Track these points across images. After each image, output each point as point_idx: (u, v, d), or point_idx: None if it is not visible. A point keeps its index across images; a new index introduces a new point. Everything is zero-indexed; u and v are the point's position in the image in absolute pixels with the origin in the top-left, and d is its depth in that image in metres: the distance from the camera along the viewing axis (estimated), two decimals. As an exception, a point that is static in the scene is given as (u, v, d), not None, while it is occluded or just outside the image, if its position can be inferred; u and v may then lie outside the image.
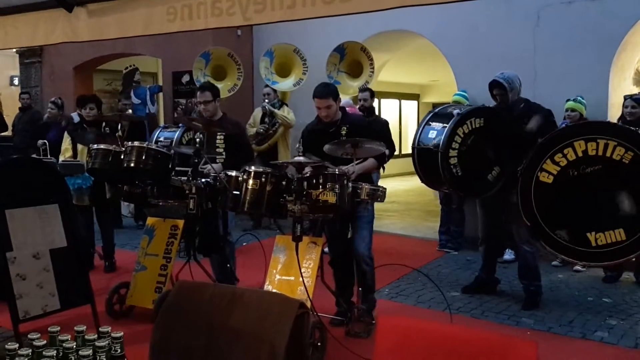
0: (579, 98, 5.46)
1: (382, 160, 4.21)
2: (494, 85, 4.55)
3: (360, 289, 4.11)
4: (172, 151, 4.17)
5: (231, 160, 4.43)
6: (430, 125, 4.14)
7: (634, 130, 3.37)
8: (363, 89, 6.63)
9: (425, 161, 4.14)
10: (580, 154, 3.35)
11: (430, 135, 4.09)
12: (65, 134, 5.70)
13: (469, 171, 4.12)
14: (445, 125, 4.04)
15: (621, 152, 3.25)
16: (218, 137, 4.54)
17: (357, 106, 6.47)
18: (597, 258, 3.39)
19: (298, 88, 7.45)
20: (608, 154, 3.28)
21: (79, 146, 5.53)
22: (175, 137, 5.47)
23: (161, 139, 5.54)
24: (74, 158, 5.51)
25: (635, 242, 3.24)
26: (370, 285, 4.15)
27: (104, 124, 5.60)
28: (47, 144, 6.60)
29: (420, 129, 4.19)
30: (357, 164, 3.76)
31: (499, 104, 4.59)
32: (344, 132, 4.04)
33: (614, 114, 5.78)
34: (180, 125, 5.44)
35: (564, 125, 5.23)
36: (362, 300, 4.10)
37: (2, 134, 9.10)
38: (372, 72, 7.08)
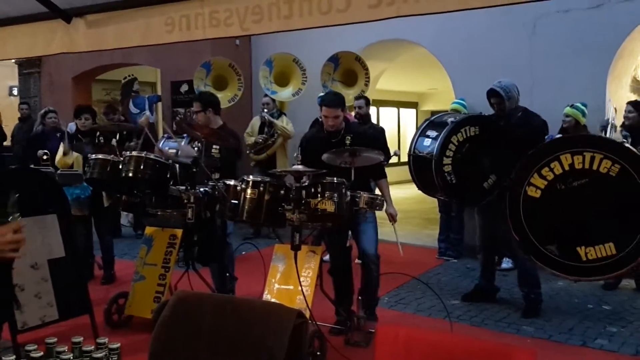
0: (577, 104, 5.46)
1: (382, 171, 4.23)
2: (491, 93, 4.57)
3: (359, 297, 4.11)
4: (170, 161, 4.17)
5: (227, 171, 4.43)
6: (425, 133, 4.16)
7: (620, 143, 3.34)
8: (358, 97, 6.64)
9: (421, 169, 4.15)
10: (567, 168, 3.31)
11: (425, 144, 4.11)
12: (61, 145, 5.69)
13: (464, 179, 4.12)
14: (439, 133, 4.05)
15: (608, 165, 3.20)
16: (214, 146, 4.55)
17: (353, 113, 6.48)
18: (588, 273, 3.34)
19: (296, 98, 7.46)
20: (595, 167, 3.24)
21: (76, 156, 5.52)
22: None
23: (166, 148, 5.52)
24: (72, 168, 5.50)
25: (625, 256, 3.19)
26: (376, 285, 4.18)
27: (98, 133, 5.59)
28: (49, 153, 6.58)
29: (416, 137, 4.21)
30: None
31: (496, 112, 4.61)
32: (347, 142, 4.04)
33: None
34: (184, 135, 5.43)
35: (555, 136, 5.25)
36: (366, 300, 4.14)
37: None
38: (368, 80, 7.10)
